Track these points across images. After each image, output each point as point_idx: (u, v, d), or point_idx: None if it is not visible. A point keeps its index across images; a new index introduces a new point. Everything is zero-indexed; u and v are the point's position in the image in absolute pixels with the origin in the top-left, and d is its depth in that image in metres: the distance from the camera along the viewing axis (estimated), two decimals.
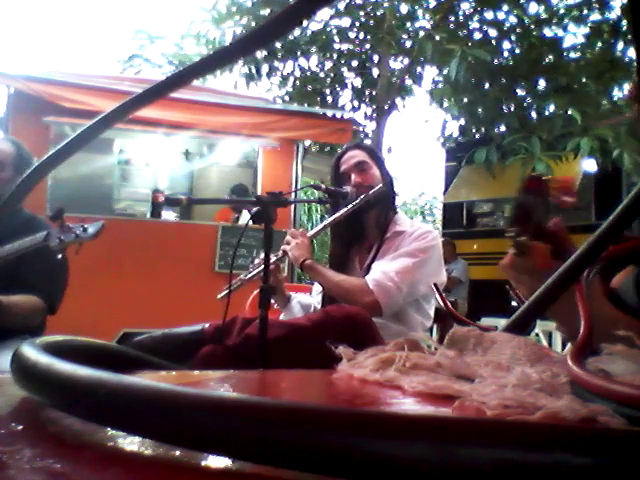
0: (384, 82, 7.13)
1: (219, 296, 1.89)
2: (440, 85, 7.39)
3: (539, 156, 5.99)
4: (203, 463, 0.29)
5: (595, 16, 6.81)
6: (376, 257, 2.01)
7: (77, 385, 0.32)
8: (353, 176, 2.05)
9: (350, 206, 1.96)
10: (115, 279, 4.37)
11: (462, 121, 7.28)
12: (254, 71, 7.33)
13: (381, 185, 2.03)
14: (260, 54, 7.06)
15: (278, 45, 7.10)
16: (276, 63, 7.49)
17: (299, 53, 7.53)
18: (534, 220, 0.87)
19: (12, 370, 0.38)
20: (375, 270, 1.93)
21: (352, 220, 2.04)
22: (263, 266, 1.71)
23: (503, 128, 6.81)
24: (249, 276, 1.90)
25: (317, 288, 2.17)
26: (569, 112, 6.32)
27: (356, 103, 7.84)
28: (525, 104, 6.92)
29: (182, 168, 6.68)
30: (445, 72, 6.47)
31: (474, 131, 7.25)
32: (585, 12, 6.80)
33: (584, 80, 6.53)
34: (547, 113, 6.75)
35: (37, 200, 3.64)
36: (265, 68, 7.45)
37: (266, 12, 7.02)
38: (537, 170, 5.97)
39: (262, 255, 1.93)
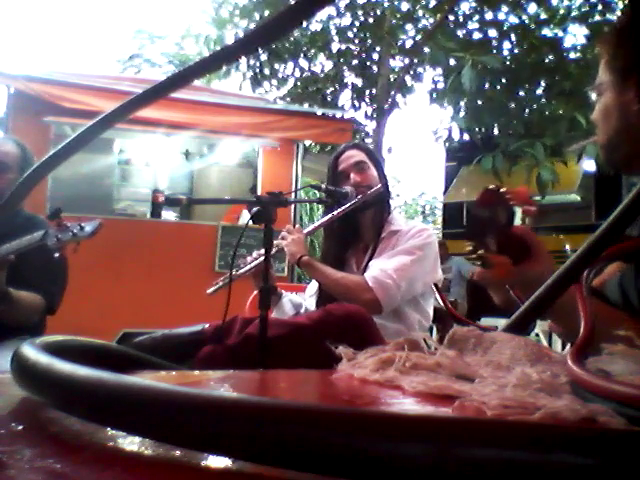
0: (384, 82, 7.13)
1: (208, 291, 1.91)
2: (440, 85, 7.38)
3: (545, 162, 5.99)
4: (203, 463, 0.29)
5: (595, 17, 6.80)
6: (373, 257, 2.02)
7: (77, 385, 0.32)
8: (352, 175, 2.05)
9: (347, 205, 1.96)
10: (115, 279, 4.37)
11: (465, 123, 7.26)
12: (259, 74, 7.31)
13: (380, 186, 2.03)
14: (264, 56, 7.05)
15: (280, 46, 7.09)
16: (276, 65, 7.47)
17: (300, 54, 7.52)
18: (492, 232, 0.87)
19: (12, 370, 0.38)
20: (373, 268, 1.93)
21: (348, 220, 2.04)
22: (262, 264, 1.71)
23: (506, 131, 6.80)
24: (240, 272, 1.90)
25: (310, 290, 2.17)
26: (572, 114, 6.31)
27: (356, 102, 7.83)
28: (528, 108, 6.90)
29: (182, 168, 6.67)
30: (451, 76, 6.45)
31: (477, 130, 7.23)
32: (586, 10, 6.79)
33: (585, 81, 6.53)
34: (550, 115, 6.73)
35: (37, 200, 3.64)
36: (267, 69, 7.44)
37: (267, 13, 7.01)
38: (542, 176, 5.96)
39: (254, 253, 1.93)
